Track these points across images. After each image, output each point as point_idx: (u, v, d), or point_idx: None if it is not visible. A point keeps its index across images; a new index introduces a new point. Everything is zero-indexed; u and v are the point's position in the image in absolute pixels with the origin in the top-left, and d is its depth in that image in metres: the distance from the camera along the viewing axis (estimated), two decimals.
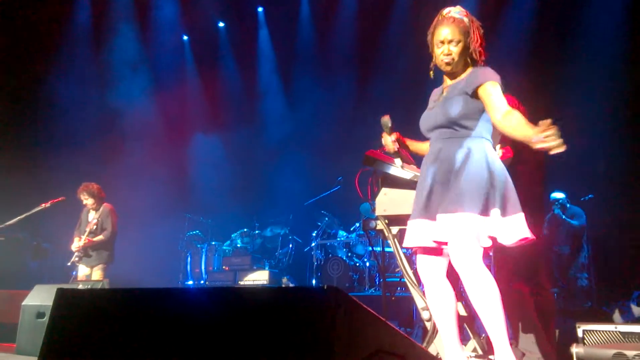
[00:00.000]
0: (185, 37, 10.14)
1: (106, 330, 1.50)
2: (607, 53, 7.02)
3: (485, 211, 2.29)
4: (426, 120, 2.61)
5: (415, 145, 2.86)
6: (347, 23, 9.20)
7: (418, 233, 2.44)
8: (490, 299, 2.25)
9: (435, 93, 2.72)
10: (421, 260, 2.57)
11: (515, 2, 7.84)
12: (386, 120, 2.75)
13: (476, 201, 2.28)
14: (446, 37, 2.46)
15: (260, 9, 9.98)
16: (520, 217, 2.35)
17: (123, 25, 9.10)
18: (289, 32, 9.67)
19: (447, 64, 2.50)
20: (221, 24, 10.11)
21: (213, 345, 1.30)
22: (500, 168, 2.42)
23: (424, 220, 2.43)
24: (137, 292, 1.53)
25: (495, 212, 2.31)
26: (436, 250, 2.51)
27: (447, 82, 2.63)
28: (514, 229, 2.33)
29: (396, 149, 2.76)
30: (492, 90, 2.38)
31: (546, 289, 3.18)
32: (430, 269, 2.54)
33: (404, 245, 2.59)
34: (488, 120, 2.46)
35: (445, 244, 2.37)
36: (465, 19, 2.49)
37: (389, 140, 2.76)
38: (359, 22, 9.09)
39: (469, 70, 2.53)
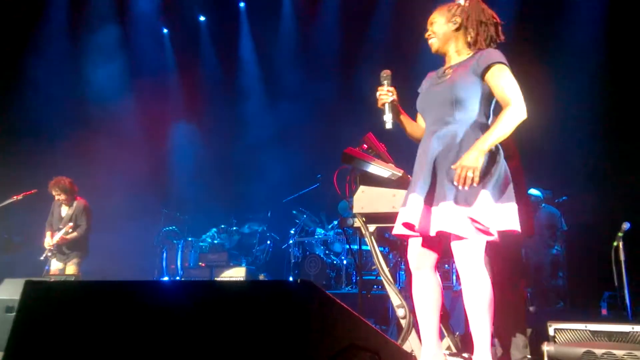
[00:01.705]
0: (165, 30, 10.02)
1: (75, 323, 1.47)
2: (586, 52, 7.13)
3: (496, 200, 2.25)
4: (426, 100, 2.52)
5: (406, 119, 2.69)
6: (329, 18, 9.19)
7: (418, 215, 2.30)
8: (484, 302, 2.25)
9: (431, 76, 2.63)
10: (413, 246, 2.49)
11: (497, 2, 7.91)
12: (388, 73, 2.58)
13: (483, 194, 2.23)
14: (429, 22, 2.58)
15: (242, 4, 9.92)
16: (513, 206, 2.29)
17: (102, 17, 8.94)
18: (271, 26, 9.62)
19: (430, 42, 2.58)
20: (202, 18, 10.03)
21: (187, 337, 1.29)
22: (500, 155, 2.37)
23: (425, 206, 2.32)
24: (108, 285, 1.51)
25: (496, 199, 2.27)
26: (430, 240, 2.43)
27: (448, 63, 2.57)
28: (505, 217, 2.27)
29: (390, 102, 2.52)
30: (498, 75, 2.33)
31: (521, 288, 3.21)
32: (421, 258, 2.47)
33: (403, 220, 2.41)
34: (489, 104, 2.41)
35: (448, 234, 2.30)
36: (461, 1, 2.53)
37: (384, 91, 2.53)
38: (342, 18, 9.09)
39: (476, 51, 2.46)
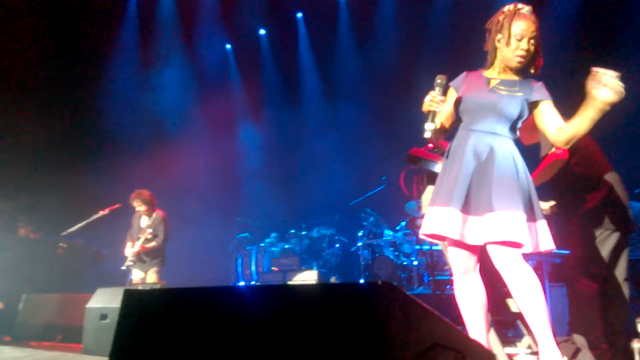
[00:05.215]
0: (228, 46, 10.41)
1: (170, 328, 1.58)
2: None
3: (529, 215, 2.32)
4: (473, 103, 2.47)
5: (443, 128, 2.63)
6: (386, 26, 9.19)
7: (455, 225, 2.32)
8: (534, 296, 2.21)
9: (478, 77, 2.56)
10: (456, 252, 2.49)
11: None
12: (443, 78, 2.45)
13: (526, 204, 2.31)
14: (527, 32, 2.40)
15: (299, 15, 10.12)
16: (544, 224, 2.36)
17: (169, 38, 9.43)
18: (329, 35, 9.75)
19: (519, 62, 2.44)
20: (262, 32, 10.33)
21: (273, 341, 1.35)
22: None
23: (464, 215, 2.33)
24: (200, 291, 1.59)
25: (537, 217, 2.37)
26: (472, 245, 2.41)
27: (494, 73, 2.53)
28: (544, 236, 2.34)
29: (436, 110, 2.40)
30: (552, 109, 2.45)
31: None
32: (467, 262, 2.47)
33: (429, 231, 2.43)
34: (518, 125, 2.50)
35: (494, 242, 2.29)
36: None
37: (435, 98, 2.40)
38: (398, 24, 9.06)
39: (531, 79, 2.51)
